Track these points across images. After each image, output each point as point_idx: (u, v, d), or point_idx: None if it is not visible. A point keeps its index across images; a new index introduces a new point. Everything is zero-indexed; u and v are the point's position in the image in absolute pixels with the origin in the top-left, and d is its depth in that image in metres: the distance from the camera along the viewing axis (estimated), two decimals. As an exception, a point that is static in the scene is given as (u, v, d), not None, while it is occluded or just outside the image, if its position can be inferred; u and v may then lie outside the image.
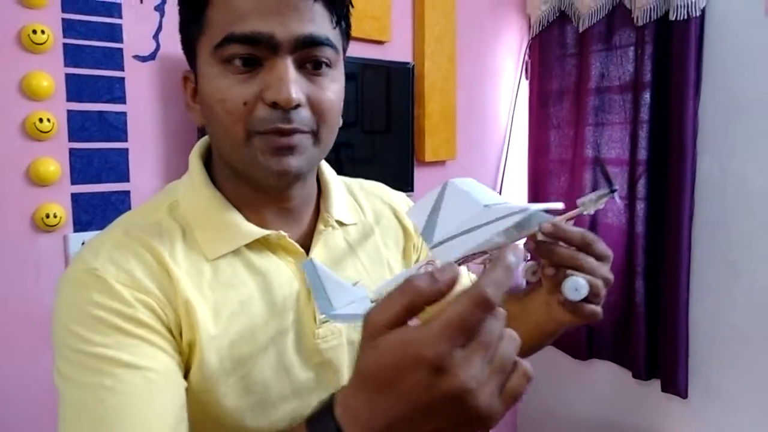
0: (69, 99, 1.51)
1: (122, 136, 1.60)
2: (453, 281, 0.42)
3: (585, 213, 0.57)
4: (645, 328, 2.08)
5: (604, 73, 2.20)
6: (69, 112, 1.52)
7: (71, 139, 1.52)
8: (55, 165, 1.48)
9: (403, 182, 2.11)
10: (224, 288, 0.66)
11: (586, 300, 0.59)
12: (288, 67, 0.62)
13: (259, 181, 0.67)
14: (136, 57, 1.61)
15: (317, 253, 0.74)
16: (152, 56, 1.64)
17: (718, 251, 1.94)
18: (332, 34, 0.65)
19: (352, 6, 0.69)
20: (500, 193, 2.48)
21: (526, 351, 0.63)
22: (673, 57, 1.94)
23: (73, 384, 0.58)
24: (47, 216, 1.47)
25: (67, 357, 0.59)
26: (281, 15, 0.61)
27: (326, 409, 0.45)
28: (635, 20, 2.04)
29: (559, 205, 0.59)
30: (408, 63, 2.13)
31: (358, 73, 1.96)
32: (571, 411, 2.43)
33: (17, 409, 1.47)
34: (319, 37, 0.63)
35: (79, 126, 1.53)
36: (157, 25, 1.64)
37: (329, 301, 0.55)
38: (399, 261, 0.84)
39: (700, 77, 1.93)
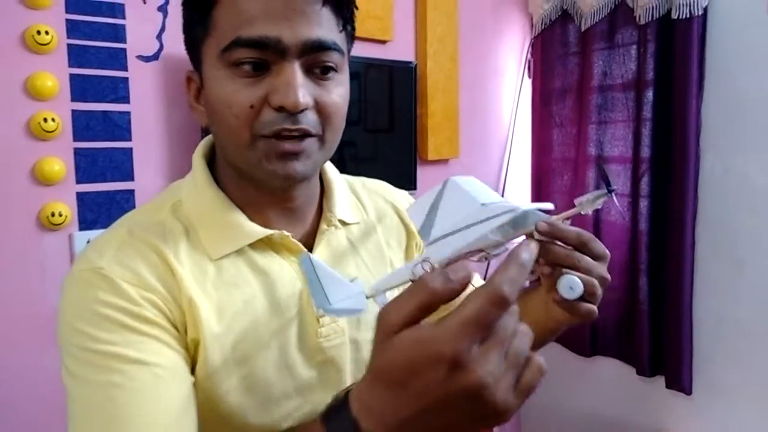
0: (73, 99, 1.52)
1: (126, 135, 1.61)
2: (467, 281, 0.43)
3: (582, 213, 0.57)
4: (649, 325, 2.09)
5: (607, 71, 2.20)
6: (73, 111, 1.52)
7: (76, 138, 1.53)
8: (60, 164, 1.49)
9: (406, 181, 2.12)
10: (228, 287, 0.67)
11: (582, 299, 0.60)
12: (296, 71, 0.62)
13: (263, 183, 0.67)
14: (140, 57, 1.62)
15: (320, 252, 0.74)
16: (155, 56, 1.65)
17: (721, 248, 1.94)
18: (339, 38, 0.65)
19: (357, 8, 0.69)
20: (503, 192, 2.48)
21: None
22: (675, 55, 1.94)
23: (81, 382, 0.59)
24: (52, 215, 1.48)
25: (74, 355, 0.60)
26: (289, 19, 0.61)
27: (342, 406, 0.46)
28: (638, 19, 2.04)
29: (549, 205, 0.59)
30: (411, 62, 2.13)
31: (361, 72, 1.97)
32: (576, 408, 2.43)
33: (23, 407, 1.48)
34: (326, 41, 0.63)
35: (83, 126, 1.54)
36: (161, 25, 1.65)
37: (326, 296, 0.55)
38: (401, 259, 0.85)
39: (703, 75, 1.93)
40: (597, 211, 2.22)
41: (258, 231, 0.69)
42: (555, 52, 2.39)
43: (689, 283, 1.98)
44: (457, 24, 2.29)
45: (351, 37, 0.71)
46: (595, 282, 0.60)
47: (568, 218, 0.57)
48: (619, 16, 2.14)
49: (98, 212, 1.57)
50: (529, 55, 2.53)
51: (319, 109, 0.65)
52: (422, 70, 2.19)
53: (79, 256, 0.66)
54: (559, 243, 0.59)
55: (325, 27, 0.63)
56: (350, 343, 0.74)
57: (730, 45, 1.88)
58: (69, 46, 1.51)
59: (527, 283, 0.72)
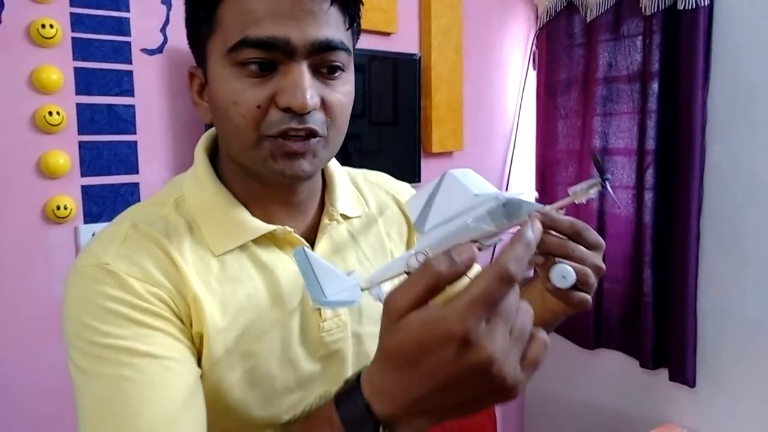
0: (78, 92, 1.53)
1: (131, 128, 1.62)
2: (471, 261, 0.44)
3: (576, 202, 0.57)
4: (653, 317, 2.09)
5: (612, 62, 2.19)
6: (78, 105, 1.53)
7: (81, 131, 1.54)
8: (65, 157, 1.50)
9: (410, 173, 2.12)
10: (231, 282, 0.67)
11: (575, 288, 0.60)
12: (303, 72, 0.61)
13: (267, 179, 0.67)
14: (144, 50, 1.63)
15: (322, 246, 0.74)
16: (160, 49, 1.65)
17: (726, 241, 1.93)
18: (345, 36, 0.65)
19: (363, 4, 0.68)
20: (507, 184, 2.47)
21: None
22: (681, 46, 1.93)
23: (91, 376, 0.59)
24: (58, 208, 1.49)
25: (82, 350, 0.60)
26: (297, 20, 0.60)
27: (353, 389, 0.47)
28: (643, 10, 2.03)
29: (532, 194, 0.59)
30: (415, 54, 2.12)
31: (365, 64, 1.97)
32: (579, 400, 2.44)
33: (29, 397, 1.49)
34: (334, 41, 0.62)
35: (88, 119, 1.55)
36: (165, 18, 1.65)
37: (321, 289, 0.56)
38: (402, 251, 0.84)
39: (709, 66, 1.92)
40: (601, 204, 2.22)
41: (261, 227, 0.69)
42: (560, 43, 2.38)
43: (694, 275, 1.97)
44: (461, 15, 2.28)
45: (357, 34, 0.70)
46: (588, 271, 0.60)
47: (561, 207, 0.57)
48: (625, 7, 2.12)
49: (103, 205, 1.58)
50: (534, 47, 2.52)
51: (326, 108, 0.64)
52: (426, 62, 2.19)
53: (82, 250, 0.66)
54: (553, 232, 0.59)
55: (332, 26, 0.63)
56: (352, 337, 0.75)
57: (736, 36, 1.86)
58: (73, 39, 1.51)
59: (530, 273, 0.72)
